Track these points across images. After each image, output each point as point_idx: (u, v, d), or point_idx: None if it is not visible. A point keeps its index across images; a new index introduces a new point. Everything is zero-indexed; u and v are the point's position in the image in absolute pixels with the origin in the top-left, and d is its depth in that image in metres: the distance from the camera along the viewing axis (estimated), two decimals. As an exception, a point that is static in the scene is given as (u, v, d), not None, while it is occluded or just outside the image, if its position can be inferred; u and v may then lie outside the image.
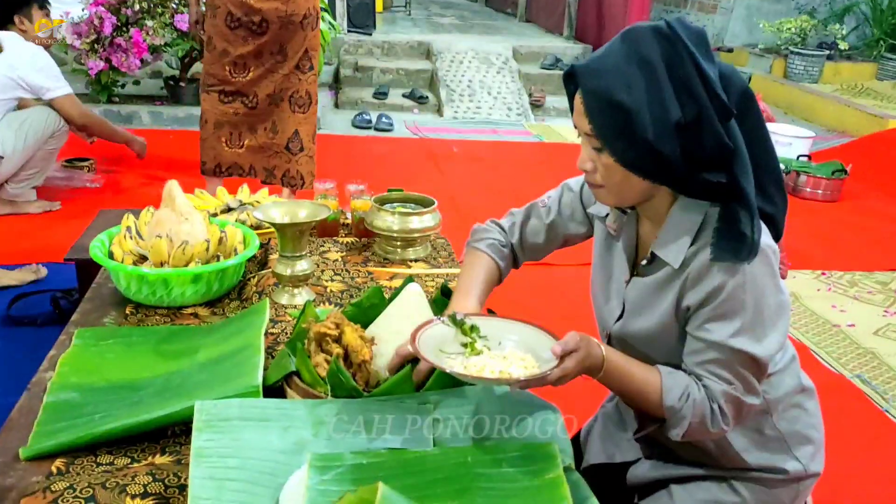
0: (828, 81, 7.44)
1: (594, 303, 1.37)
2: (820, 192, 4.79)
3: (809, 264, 3.82)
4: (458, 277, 1.44)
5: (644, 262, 1.23)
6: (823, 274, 3.70)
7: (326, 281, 1.78)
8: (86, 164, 4.28)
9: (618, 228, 1.29)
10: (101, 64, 5.00)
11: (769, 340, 1.14)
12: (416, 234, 1.90)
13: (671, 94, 1.06)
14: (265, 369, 1.31)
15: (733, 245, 1.10)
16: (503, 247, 1.46)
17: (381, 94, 6.50)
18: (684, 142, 1.07)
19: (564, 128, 6.18)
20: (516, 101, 6.57)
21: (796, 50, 7.43)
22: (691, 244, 1.16)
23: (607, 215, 1.31)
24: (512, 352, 1.16)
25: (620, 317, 1.28)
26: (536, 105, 6.62)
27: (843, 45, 7.54)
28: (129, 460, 1.18)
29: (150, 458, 1.18)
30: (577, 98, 1.13)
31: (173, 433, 1.25)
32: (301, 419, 1.15)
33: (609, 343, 1.32)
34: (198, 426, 1.09)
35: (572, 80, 1.14)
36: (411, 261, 1.92)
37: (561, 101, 6.64)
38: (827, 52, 7.53)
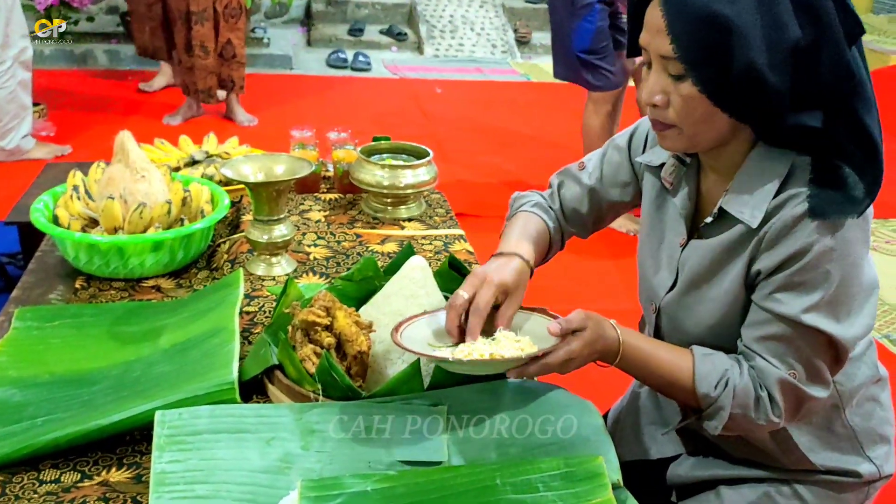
0: (821, 15, 7.18)
1: (641, 273, 1.15)
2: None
3: (823, 211, 3.61)
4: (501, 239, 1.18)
5: (709, 219, 1.02)
6: (838, 223, 3.51)
7: (309, 246, 1.55)
8: (36, 109, 3.94)
9: (674, 181, 1.07)
10: (51, -3, 4.60)
11: (853, 322, 0.94)
12: (409, 191, 1.68)
13: (789, 6, 0.86)
14: (241, 358, 1.12)
15: (837, 197, 0.91)
16: (550, 207, 1.23)
17: (356, 31, 6.13)
18: (798, 70, 0.87)
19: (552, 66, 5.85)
20: (501, 37, 6.24)
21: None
22: (773, 197, 0.95)
23: (662, 165, 1.09)
24: (504, 334, 1.00)
25: (672, 287, 1.08)
26: (522, 42, 6.30)
27: (837, -23, 7.26)
28: (79, 476, 0.99)
29: (103, 474, 0.99)
30: (653, 11, 0.91)
31: (132, 438, 1.05)
32: (287, 428, 0.95)
33: (657, 320, 1.12)
34: (159, 444, 0.89)
35: None
36: (404, 220, 1.70)
37: (547, 37, 6.29)
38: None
